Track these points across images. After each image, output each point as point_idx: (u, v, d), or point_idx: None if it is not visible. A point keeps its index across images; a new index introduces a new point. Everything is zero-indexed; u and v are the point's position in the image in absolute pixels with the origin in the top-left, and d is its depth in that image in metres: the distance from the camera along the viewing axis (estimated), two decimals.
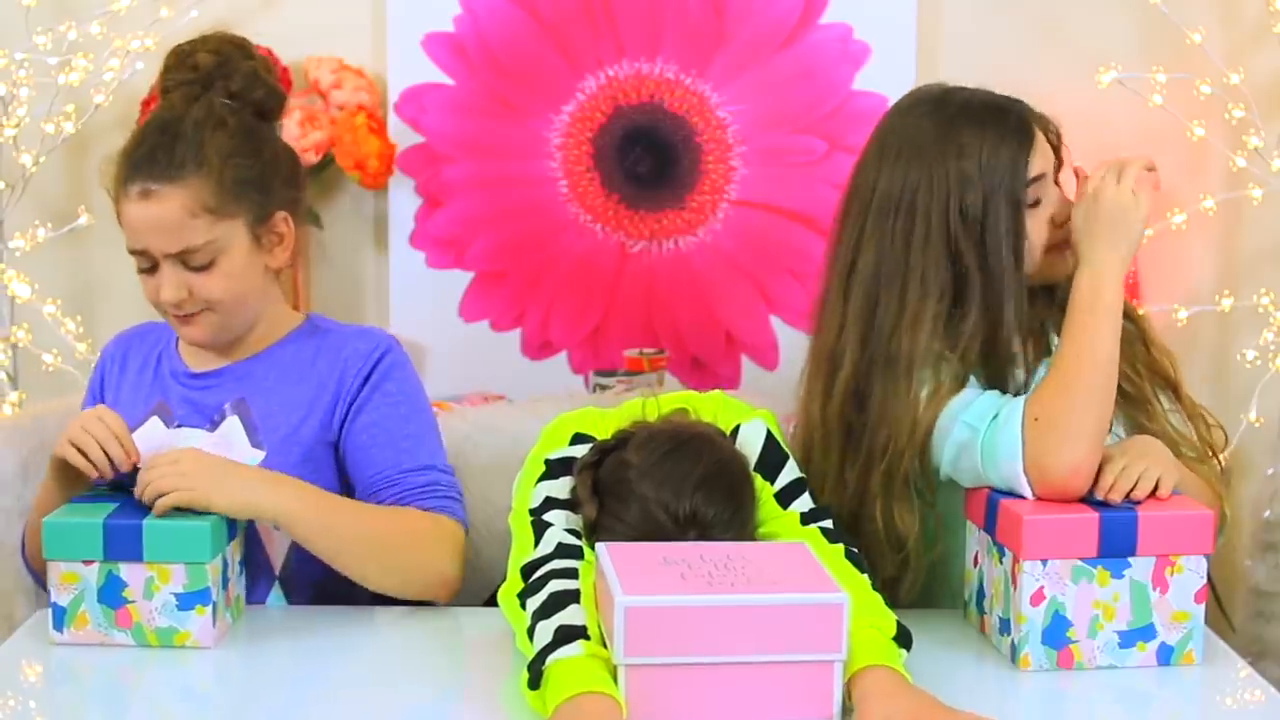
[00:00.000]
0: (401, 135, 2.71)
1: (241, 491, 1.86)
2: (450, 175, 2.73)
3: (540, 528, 1.82)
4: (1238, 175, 2.67)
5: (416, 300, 2.76)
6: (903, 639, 1.70)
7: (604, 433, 1.92)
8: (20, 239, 2.63)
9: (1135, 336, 1.98)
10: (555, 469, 1.89)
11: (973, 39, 2.70)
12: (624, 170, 2.73)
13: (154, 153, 1.97)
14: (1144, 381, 1.99)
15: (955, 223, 1.90)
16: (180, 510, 1.82)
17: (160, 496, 1.82)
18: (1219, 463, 1.99)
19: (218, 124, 2.00)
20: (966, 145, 1.91)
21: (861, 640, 1.64)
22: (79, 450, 1.87)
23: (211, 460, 1.88)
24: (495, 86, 2.71)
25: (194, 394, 2.04)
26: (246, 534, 1.99)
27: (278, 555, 2.02)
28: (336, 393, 2.00)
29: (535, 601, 1.71)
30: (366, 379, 2.02)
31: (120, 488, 1.90)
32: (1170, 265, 2.69)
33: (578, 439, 1.92)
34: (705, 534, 1.77)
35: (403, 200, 2.74)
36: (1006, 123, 1.94)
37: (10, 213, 2.65)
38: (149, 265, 1.96)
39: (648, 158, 2.74)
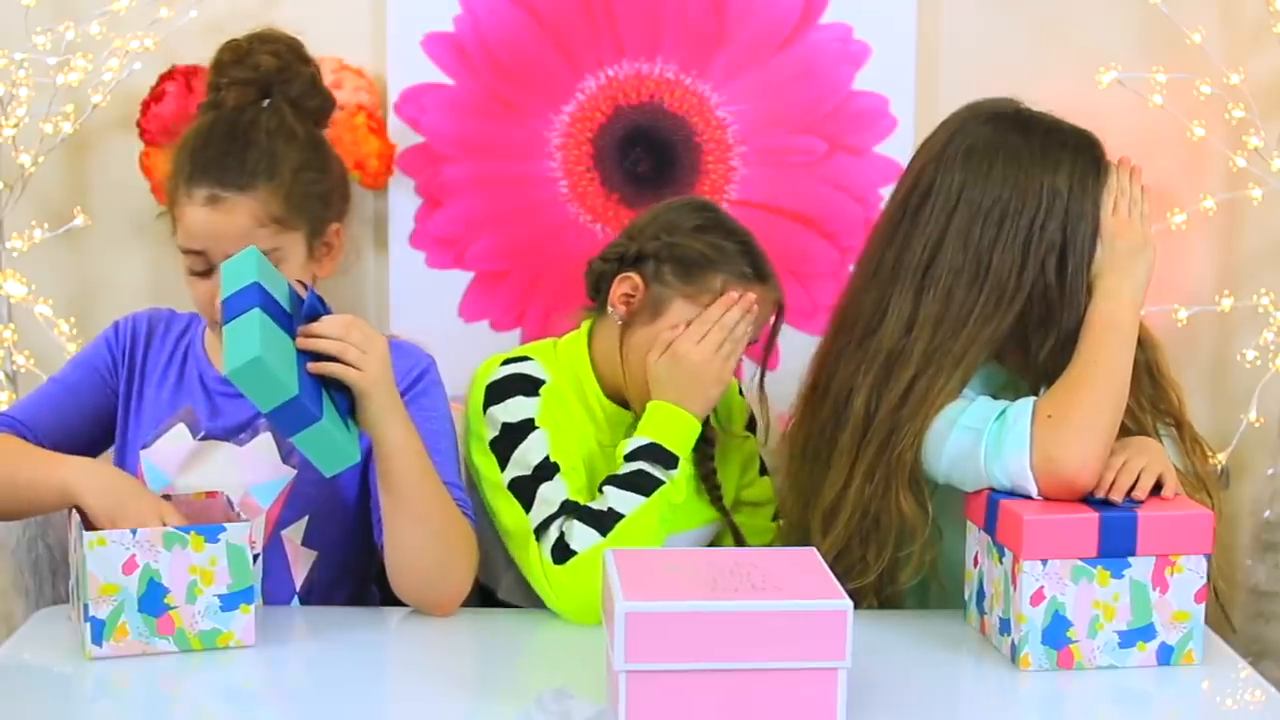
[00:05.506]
0: (401, 135, 2.70)
1: (390, 406, 1.84)
2: (450, 175, 2.73)
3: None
4: (1238, 175, 2.67)
5: (416, 300, 2.76)
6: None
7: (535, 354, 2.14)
8: (18, 239, 2.63)
9: (1143, 367, 2.00)
10: (509, 431, 2.03)
11: (973, 39, 2.70)
12: (624, 170, 2.72)
13: (224, 158, 1.95)
14: (1146, 416, 2.01)
15: (1036, 238, 1.95)
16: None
17: (331, 360, 1.78)
18: (1211, 497, 2.01)
19: (290, 135, 2.00)
20: (1061, 165, 1.96)
21: None
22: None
23: (386, 364, 1.84)
24: (495, 86, 2.70)
25: (223, 402, 2.00)
26: (271, 546, 1.99)
27: (300, 572, 2.01)
28: None
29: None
30: (406, 391, 2.00)
31: None
32: (1170, 265, 2.68)
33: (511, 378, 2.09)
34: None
35: (403, 200, 2.74)
36: (1093, 154, 2.00)
37: (9, 213, 2.65)
38: (204, 269, 1.93)
39: (648, 158, 2.74)
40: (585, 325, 2.19)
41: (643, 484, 1.99)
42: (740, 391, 2.30)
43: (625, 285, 2.11)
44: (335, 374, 1.78)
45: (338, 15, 2.70)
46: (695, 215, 2.16)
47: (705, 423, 2.14)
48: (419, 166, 2.72)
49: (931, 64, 2.69)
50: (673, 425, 2.03)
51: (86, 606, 1.78)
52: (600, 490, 2.00)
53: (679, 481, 2.02)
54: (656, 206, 2.23)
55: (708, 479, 2.17)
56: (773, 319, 2.17)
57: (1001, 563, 1.84)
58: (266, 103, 2.04)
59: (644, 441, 2.02)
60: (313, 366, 1.78)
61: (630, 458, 2.01)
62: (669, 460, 2.01)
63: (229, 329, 1.74)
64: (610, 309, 2.12)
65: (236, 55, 2.04)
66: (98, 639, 1.79)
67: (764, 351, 2.18)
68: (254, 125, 1.99)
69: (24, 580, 2.13)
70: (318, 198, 2.02)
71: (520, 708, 1.77)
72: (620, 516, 1.96)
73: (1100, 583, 1.80)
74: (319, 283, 2.07)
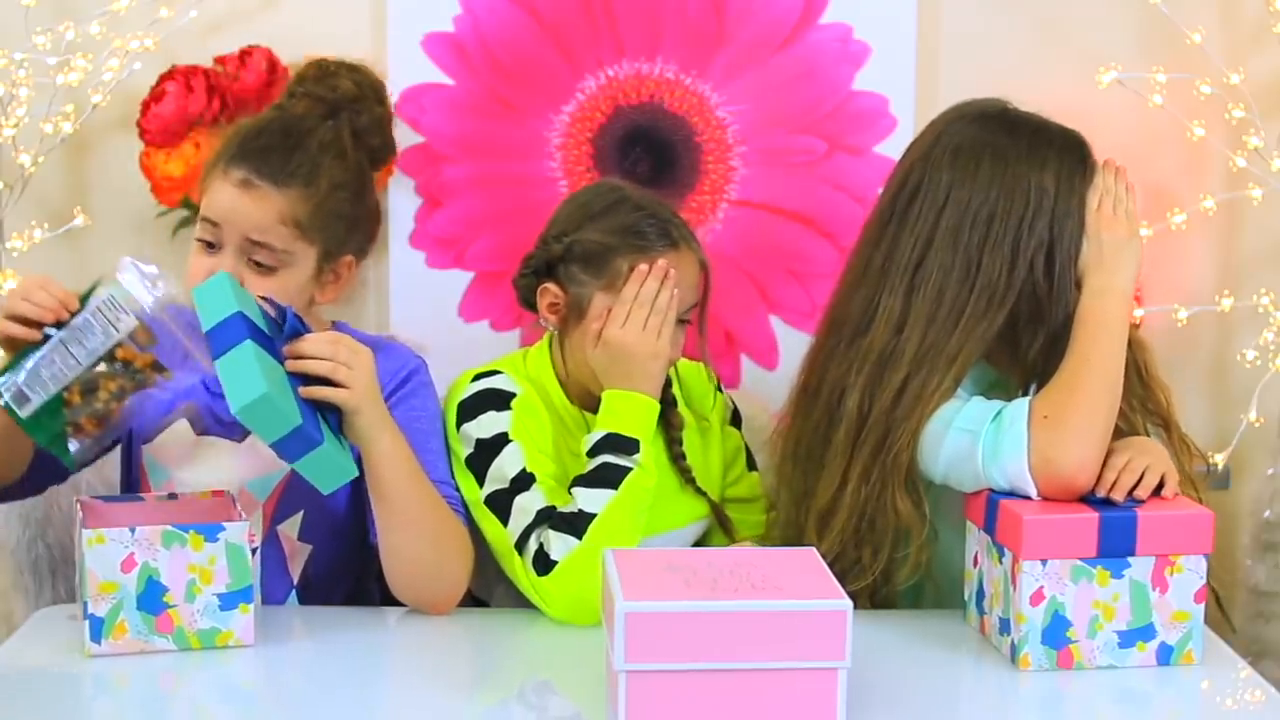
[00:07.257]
0: (401, 135, 2.70)
1: (377, 418, 1.85)
2: (450, 175, 2.73)
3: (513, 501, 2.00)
4: (1238, 175, 2.67)
5: (416, 300, 2.76)
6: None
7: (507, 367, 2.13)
8: (18, 239, 2.63)
9: (1132, 368, 2.00)
10: (483, 448, 2.02)
11: (973, 39, 2.70)
12: (624, 170, 2.72)
13: (269, 150, 1.99)
14: (1137, 416, 2.02)
15: (1024, 237, 1.96)
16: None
17: (319, 378, 1.80)
18: (1199, 495, 2.01)
19: (340, 154, 2.04)
20: (1048, 163, 1.97)
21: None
22: (22, 320, 1.78)
23: (372, 376, 1.86)
24: (495, 86, 2.70)
25: (221, 400, 1.99)
26: (268, 540, 2.00)
27: (296, 567, 2.02)
28: None
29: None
30: (393, 393, 2.01)
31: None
32: (1170, 265, 2.69)
33: (480, 392, 2.08)
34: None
35: (403, 200, 2.74)
36: (1080, 153, 2.02)
37: (9, 213, 2.65)
38: (214, 243, 1.96)
39: (648, 158, 2.74)
40: (547, 336, 2.19)
41: (609, 477, 1.99)
42: (720, 387, 2.30)
43: (547, 296, 2.12)
44: (326, 397, 1.81)
45: (338, 15, 2.70)
46: (595, 201, 2.15)
47: (671, 406, 2.13)
48: (419, 166, 2.72)
49: (931, 64, 2.70)
50: (627, 411, 2.02)
51: (86, 604, 1.78)
52: (570, 493, 2.00)
53: (647, 466, 2.01)
54: (560, 204, 2.22)
55: (677, 461, 2.16)
56: (702, 281, 2.14)
57: (1001, 563, 1.84)
58: (330, 122, 2.07)
59: (600, 434, 2.02)
60: (305, 392, 1.80)
61: (592, 453, 2.01)
62: (629, 446, 2.00)
63: (223, 364, 1.75)
64: (542, 321, 2.13)
65: (321, 72, 2.11)
66: (96, 637, 1.79)
67: (698, 317, 2.16)
68: (310, 133, 2.04)
69: (24, 580, 2.13)
70: (344, 220, 2.04)
71: (501, 700, 1.78)
72: (592, 516, 1.96)
73: (1100, 583, 1.80)
74: (315, 305, 2.07)
